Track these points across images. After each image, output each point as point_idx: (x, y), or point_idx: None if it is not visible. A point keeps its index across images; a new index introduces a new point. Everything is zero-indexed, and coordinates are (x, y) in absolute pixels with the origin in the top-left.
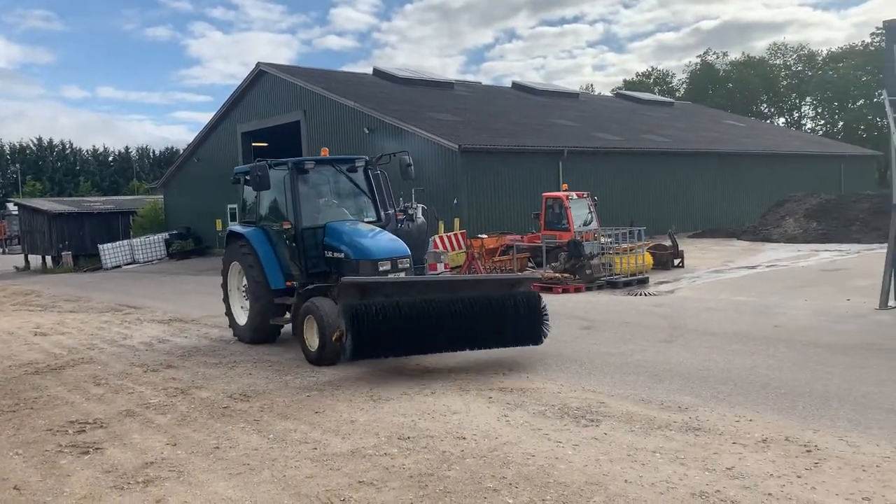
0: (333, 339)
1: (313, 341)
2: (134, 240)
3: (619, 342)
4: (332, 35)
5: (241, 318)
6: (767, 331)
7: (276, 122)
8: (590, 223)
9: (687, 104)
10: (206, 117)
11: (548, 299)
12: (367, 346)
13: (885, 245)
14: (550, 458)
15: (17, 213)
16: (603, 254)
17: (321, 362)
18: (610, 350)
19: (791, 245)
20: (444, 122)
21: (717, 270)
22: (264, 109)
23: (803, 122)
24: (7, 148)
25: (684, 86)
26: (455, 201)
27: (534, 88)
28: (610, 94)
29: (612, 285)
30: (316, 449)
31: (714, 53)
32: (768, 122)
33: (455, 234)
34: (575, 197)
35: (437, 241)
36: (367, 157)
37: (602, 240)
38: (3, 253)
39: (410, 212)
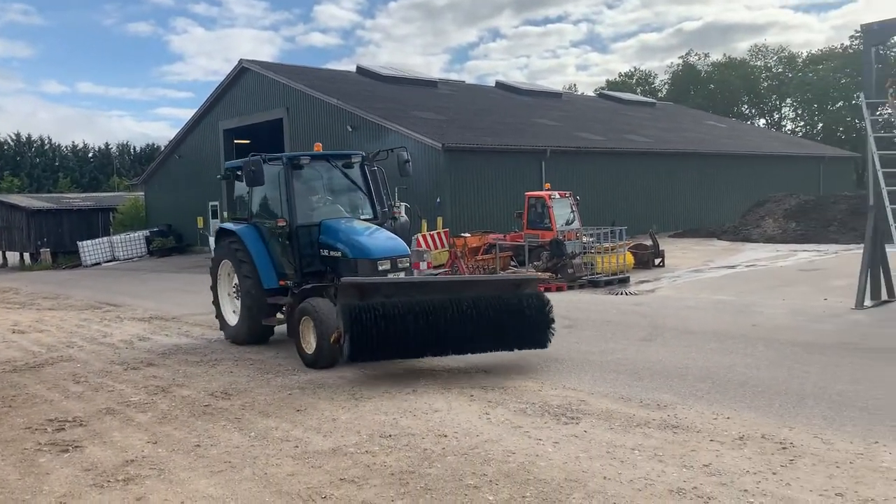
0: (332, 340)
1: (310, 343)
2: (114, 237)
3: (600, 341)
4: (316, 32)
5: (232, 319)
6: (746, 330)
7: (258, 120)
8: (572, 223)
9: (669, 105)
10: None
11: None
12: (366, 349)
13: (862, 245)
14: (531, 455)
15: None
16: (585, 253)
17: (318, 365)
18: (591, 348)
19: (770, 245)
20: (428, 121)
21: (698, 270)
22: (247, 106)
23: (783, 123)
24: None
25: (666, 86)
26: (438, 200)
27: (517, 88)
28: (593, 95)
29: (594, 284)
30: (297, 447)
31: (696, 54)
32: (749, 123)
33: (438, 233)
34: (557, 196)
35: (420, 239)
36: (364, 153)
37: (584, 239)
38: None
39: (394, 211)
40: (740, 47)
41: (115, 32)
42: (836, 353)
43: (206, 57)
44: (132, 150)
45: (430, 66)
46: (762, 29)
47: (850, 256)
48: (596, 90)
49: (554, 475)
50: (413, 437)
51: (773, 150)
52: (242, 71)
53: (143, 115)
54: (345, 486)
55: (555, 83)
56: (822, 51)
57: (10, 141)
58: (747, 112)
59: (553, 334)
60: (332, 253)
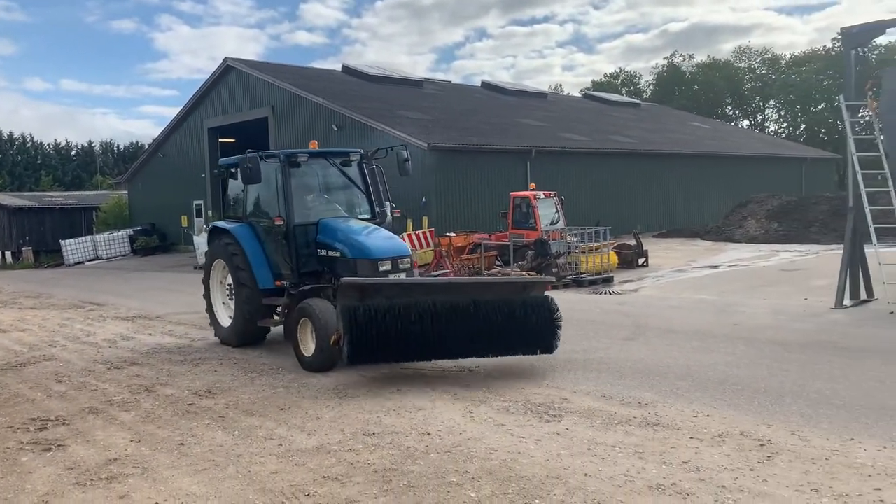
0: (331, 342)
1: (308, 345)
2: (97, 236)
3: (583, 339)
4: (302, 31)
5: (225, 320)
6: (727, 329)
7: (243, 118)
8: (556, 222)
9: (653, 105)
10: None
11: None
12: (366, 351)
13: (842, 246)
14: (513, 452)
15: None
16: (569, 253)
17: (317, 367)
18: (574, 347)
19: (753, 245)
20: (414, 121)
21: (681, 270)
22: (232, 105)
23: (767, 124)
24: None
25: (651, 87)
26: (423, 199)
27: (503, 88)
28: (578, 95)
29: (578, 284)
30: (281, 445)
31: (680, 56)
32: (733, 124)
33: (423, 233)
34: (542, 196)
35: (406, 238)
36: (362, 151)
37: (568, 239)
38: None
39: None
40: (725, 48)
41: (98, 29)
42: (815, 351)
43: (191, 55)
44: (116, 149)
45: (417, 65)
46: (747, 30)
47: (830, 257)
48: (581, 91)
49: (535, 472)
50: (397, 435)
51: (757, 150)
52: (227, 69)
53: (127, 113)
54: (328, 484)
55: (541, 83)
56: (804, 53)
57: None
58: (731, 113)
59: (560, 339)
60: (330, 253)
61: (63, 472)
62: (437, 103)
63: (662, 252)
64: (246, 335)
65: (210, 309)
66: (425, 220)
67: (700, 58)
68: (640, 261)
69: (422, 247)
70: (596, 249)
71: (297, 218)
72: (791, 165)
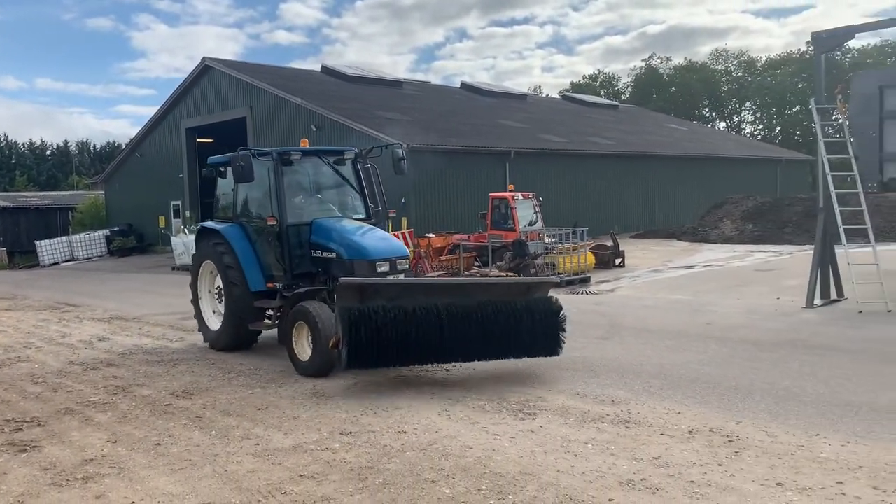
0: (330, 345)
1: (304, 349)
2: (73, 236)
3: None
4: (281, 30)
5: (214, 323)
6: (700, 328)
7: (221, 118)
8: (535, 223)
9: (631, 107)
10: (149, 111)
11: None
12: (366, 355)
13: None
14: (487, 450)
15: None
16: (547, 253)
17: (313, 372)
18: None
19: (728, 246)
20: (393, 121)
21: (656, 270)
22: (210, 105)
23: (743, 126)
24: None
25: (629, 89)
26: (402, 200)
27: (482, 89)
28: (557, 97)
29: (555, 284)
30: (258, 444)
31: (658, 58)
32: (709, 126)
33: (402, 233)
34: (521, 197)
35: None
36: (357, 149)
37: (546, 240)
38: None
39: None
40: (703, 51)
41: (74, 27)
42: (785, 350)
43: (169, 54)
44: (92, 148)
45: (397, 65)
46: (724, 33)
47: (804, 257)
48: (560, 92)
49: (509, 469)
50: (373, 433)
51: (732, 152)
52: (205, 69)
53: (104, 113)
54: (304, 482)
55: (521, 84)
56: (780, 56)
57: None
58: (708, 115)
59: (564, 342)
60: (324, 254)
61: (39, 472)
62: (416, 104)
63: (639, 252)
64: (236, 339)
65: (198, 312)
66: (404, 220)
67: (677, 60)
68: (617, 261)
69: None
70: (573, 250)
71: (290, 218)
72: (766, 167)
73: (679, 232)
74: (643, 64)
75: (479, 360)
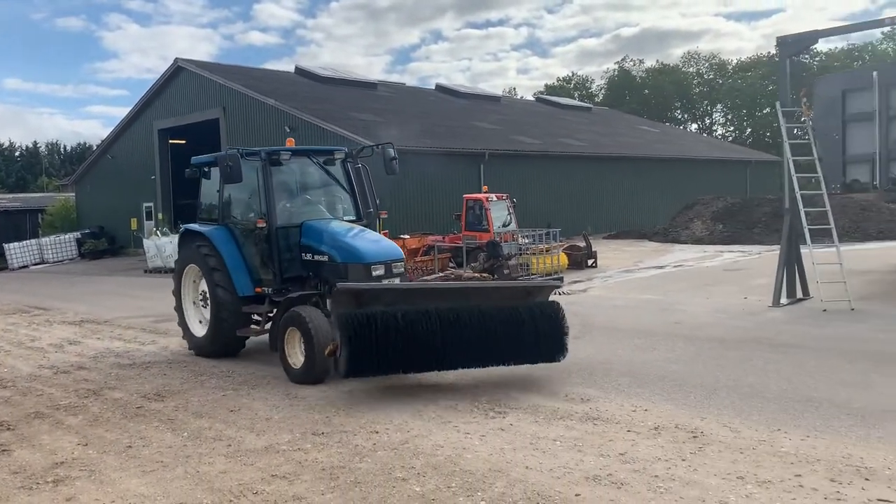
0: (326, 353)
1: (297, 356)
2: (43, 239)
3: None
4: (256, 31)
5: (198, 329)
6: (669, 327)
7: (194, 120)
8: (508, 224)
9: (604, 109)
10: (121, 112)
11: None
12: (367, 363)
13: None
14: (458, 448)
15: None
16: (520, 254)
17: (307, 380)
18: None
19: (698, 246)
20: (367, 123)
21: (628, 270)
22: (182, 106)
23: (714, 128)
24: None
25: (603, 91)
26: (377, 201)
27: (457, 91)
28: (531, 99)
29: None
30: (230, 446)
31: (631, 60)
32: (681, 127)
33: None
34: (495, 199)
35: None
36: (347, 149)
37: (520, 240)
38: None
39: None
40: (675, 53)
41: (44, 27)
42: (750, 348)
43: (141, 54)
44: (62, 150)
45: (372, 66)
46: (696, 36)
47: (772, 257)
48: (535, 94)
49: (479, 466)
50: (345, 434)
51: (704, 154)
52: (178, 70)
53: (75, 113)
54: (276, 482)
55: (496, 86)
56: (751, 58)
57: None
58: (680, 117)
59: (567, 348)
60: (316, 257)
61: (8, 476)
62: (391, 106)
63: (611, 253)
64: (222, 345)
65: (182, 318)
66: (379, 222)
67: (650, 63)
68: (590, 262)
69: None
70: (546, 251)
71: (279, 220)
72: (736, 168)
73: (651, 233)
74: (616, 66)
75: (481, 367)
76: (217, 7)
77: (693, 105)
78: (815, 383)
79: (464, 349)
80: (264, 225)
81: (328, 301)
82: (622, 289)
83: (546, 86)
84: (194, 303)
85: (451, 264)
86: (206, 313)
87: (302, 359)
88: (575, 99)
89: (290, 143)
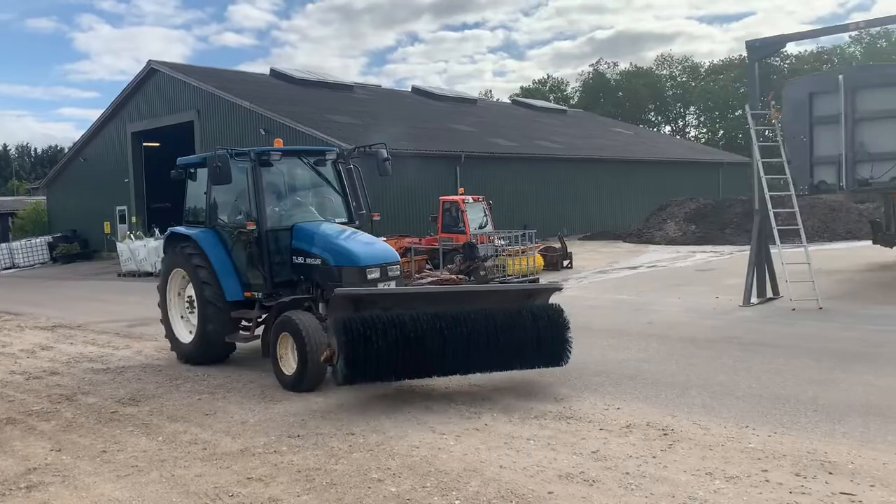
0: (322, 359)
1: (290, 363)
2: (13, 243)
3: None
4: (230, 32)
5: (185, 336)
6: (642, 327)
7: (168, 122)
8: (485, 226)
9: (579, 112)
10: (93, 114)
11: None
12: (365, 369)
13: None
14: (433, 448)
15: None
16: (497, 256)
17: (301, 387)
18: None
19: (671, 247)
20: (343, 125)
21: (603, 271)
22: (156, 108)
23: (687, 130)
24: None
25: (578, 94)
26: (353, 203)
27: (433, 93)
28: (507, 101)
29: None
30: (206, 449)
31: (606, 63)
32: (655, 129)
33: None
34: (471, 200)
35: None
36: (338, 149)
37: (496, 242)
38: None
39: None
40: (649, 56)
41: (14, 28)
42: (721, 347)
43: (114, 55)
44: (33, 152)
45: (349, 68)
46: (670, 39)
47: (743, 257)
48: (511, 97)
49: (454, 466)
50: (321, 436)
51: (677, 156)
52: (151, 72)
53: (46, 115)
54: (252, 485)
55: (472, 88)
56: (723, 61)
57: None
58: (653, 119)
59: (570, 351)
60: (308, 260)
61: None
62: (367, 108)
63: (586, 254)
64: (210, 351)
65: (167, 324)
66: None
67: (624, 65)
68: (565, 263)
69: None
70: (522, 252)
71: (269, 222)
72: (709, 170)
73: (625, 234)
74: (591, 69)
75: (483, 372)
76: (191, 8)
77: (666, 107)
78: (784, 381)
79: (466, 354)
80: (254, 227)
81: (321, 305)
82: (597, 289)
83: (522, 88)
84: (181, 309)
85: (427, 266)
86: (194, 319)
87: (295, 365)
88: (550, 101)
89: (279, 143)
